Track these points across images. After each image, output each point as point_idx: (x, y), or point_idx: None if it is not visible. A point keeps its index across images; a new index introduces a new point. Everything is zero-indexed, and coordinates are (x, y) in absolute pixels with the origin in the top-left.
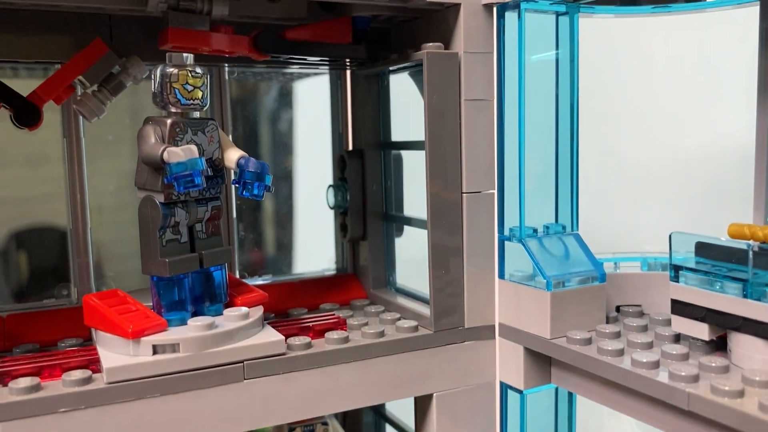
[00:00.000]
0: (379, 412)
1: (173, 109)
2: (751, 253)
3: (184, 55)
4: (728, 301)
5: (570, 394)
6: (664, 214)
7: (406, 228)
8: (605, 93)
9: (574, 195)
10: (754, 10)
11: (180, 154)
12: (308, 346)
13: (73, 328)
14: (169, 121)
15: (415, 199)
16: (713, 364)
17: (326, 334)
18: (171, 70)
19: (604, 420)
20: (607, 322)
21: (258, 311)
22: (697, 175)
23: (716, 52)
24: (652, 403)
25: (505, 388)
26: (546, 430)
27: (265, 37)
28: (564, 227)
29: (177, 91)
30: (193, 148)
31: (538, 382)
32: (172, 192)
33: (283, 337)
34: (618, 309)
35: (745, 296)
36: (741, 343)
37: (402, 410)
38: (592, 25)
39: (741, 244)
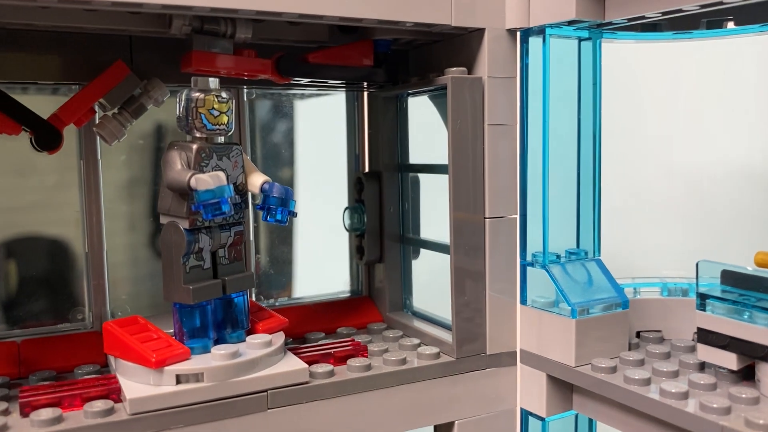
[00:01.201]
0: None
1: (198, 134)
2: None
3: (210, 79)
4: (757, 330)
5: (591, 421)
6: (684, 238)
7: (423, 251)
8: (627, 117)
9: (597, 220)
10: None
11: (208, 181)
12: (331, 374)
13: (90, 354)
14: (195, 146)
15: (432, 222)
16: (743, 396)
17: (348, 362)
18: (197, 94)
19: None
20: (630, 349)
21: (280, 338)
22: (716, 200)
23: (737, 78)
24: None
25: (526, 415)
26: None
27: (287, 61)
28: (586, 253)
29: (203, 116)
30: (221, 175)
31: (559, 409)
32: (197, 218)
33: (307, 366)
34: (638, 335)
35: None
36: (765, 371)
37: None
38: (616, 50)
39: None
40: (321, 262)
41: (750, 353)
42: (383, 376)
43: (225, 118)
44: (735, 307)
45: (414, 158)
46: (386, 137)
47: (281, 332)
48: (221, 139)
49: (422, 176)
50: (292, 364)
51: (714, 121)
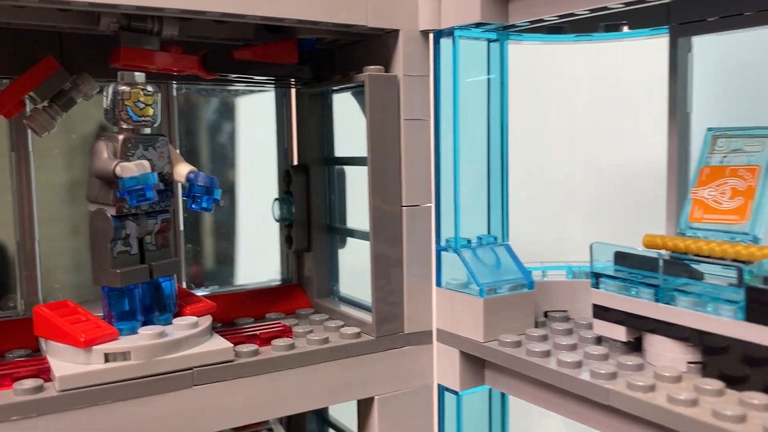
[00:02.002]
0: (322, 417)
1: (125, 126)
2: (661, 261)
3: (136, 73)
4: (642, 305)
5: (503, 395)
6: (588, 226)
7: (349, 240)
8: (534, 112)
9: (505, 208)
10: (664, 41)
11: (132, 168)
12: (255, 353)
13: (21, 339)
14: (121, 137)
15: (357, 212)
16: (630, 363)
17: (272, 342)
18: (123, 88)
19: (534, 420)
20: (536, 326)
21: (207, 320)
22: (618, 189)
23: (632, 77)
24: (575, 399)
25: (442, 390)
26: (481, 430)
27: (212, 57)
28: (496, 238)
29: (129, 108)
30: (145, 163)
31: (472, 384)
32: (124, 205)
33: (232, 345)
34: (546, 314)
35: (656, 300)
36: (654, 343)
37: (344, 414)
38: (523, 51)
39: (653, 253)
40: (253, 252)
41: (638, 326)
42: (305, 355)
43: (150, 111)
44: (624, 285)
45: (339, 151)
46: (313, 132)
47: (209, 316)
48: (147, 131)
49: (347, 168)
50: (218, 343)
51: (613, 117)
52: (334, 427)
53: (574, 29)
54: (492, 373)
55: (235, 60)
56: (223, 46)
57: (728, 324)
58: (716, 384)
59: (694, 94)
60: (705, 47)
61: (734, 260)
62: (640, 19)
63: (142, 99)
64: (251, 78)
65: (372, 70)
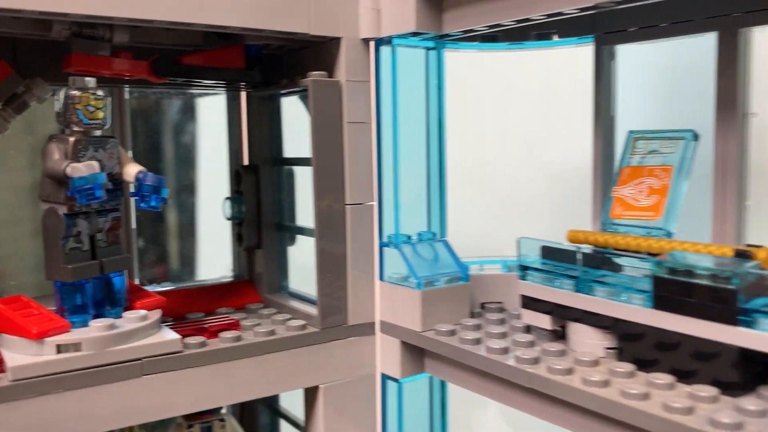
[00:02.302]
0: (273, 408)
1: (76, 128)
2: (579, 254)
3: (87, 78)
4: (564, 295)
5: (442, 382)
6: (524, 222)
7: (299, 237)
8: (474, 116)
9: (443, 206)
10: (591, 49)
11: (82, 169)
12: (203, 344)
13: None
14: (72, 139)
15: (306, 211)
16: (552, 349)
17: (220, 334)
18: (74, 92)
19: (475, 406)
20: (471, 317)
21: (156, 314)
22: (551, 189)
23: (562, 83)
24: (503, 384)
25: (384, 378)
26: (422, 416)
27: (162, 62)
28: (435, 234)
29: (79, 111)
30: (95, 163)
31: (413, 372)
32: (75, 204)
33: (180, 337)
34: (483, 306)
35: (577, 291)
36: (576, 330)
37: (295, 405)
38: (464, 58)
39: (574, 247)
40: (205, 249)
41: (561, 315)
42: (252, 346)
43: (101, 114)
44: (549, 277)
45: (288, 152)
46: (262, 133)
47: (158, 310)
48: (98, 133)
49: (296, 168)
50: (166, 335)
51: (545, 120)
52: (284, 417)
53: (507, 38)
54: (431, 362)
55: (183, 65)
56: (173, 52)
57: (639, 312)
58: (628, 367)
59: (619, 98)
60: (629, 55)
61: (648, 253)
62: (567, 29)
63: (92, 103)
64: (200, 82)
65: (315, 76)
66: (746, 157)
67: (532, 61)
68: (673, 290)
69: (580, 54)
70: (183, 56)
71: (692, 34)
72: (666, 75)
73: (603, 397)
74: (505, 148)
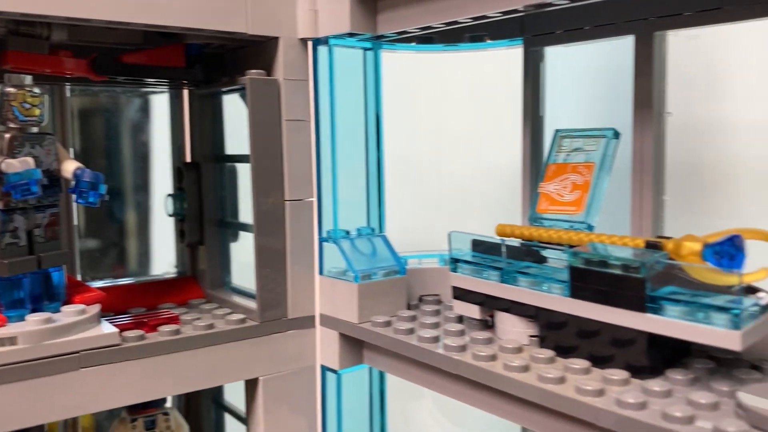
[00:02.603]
0: (218, 402)
1: (12, 125)
2: (504, 247)
3: (23, 75)
4: (491, 286)
5: (381, 373)
6: (459, 218)
7: (241, 233)
8: (413, 115)
9: (382, 202)
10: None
11: (16, 165)
12: (142, 338)
13: None
14: (7, 135)
15: (248, 207)
16: (480, 338)
17: (159, 328)
18: (9, 89)
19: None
20: (408, 309)
21: (95, 308)
22: (486, 185)
23: (496, 83)
24: (434, 371)
25: (324, 370)
26: (361, 407)
27: (101, 60)
28: (373, 229)
29: (15, 108)
30: (30, 160)
31: (351, 363)
32: (10, 200)
33: (118, 330)
34: (421, 298)
35: (503, 282)
36: (502, 320)
37: (239, 398)
38: (399, 58)
39: (499, 240)
40: (148, 246)
41: (488, 305)
42: (190, 339)
43: (37, 111)
44: (478, 269)
45: (229, 149)
46: (204, 131)
47: (98, 304)
48: (35, 129)
49: (238, 165)
50: (104, 329)
51: (479, 121)
52: (228, 410)
53: (442, 40)
54: (369, 353)
55: (123, 63)
56: (114, 50)
57: (558, 300)
58: (548, 353)
59: (549, 98)
60: (561, 57)
61: (569, 246)
62: (498, 31)
63: (28, 100)
64: (142, 80)
65: (253, 74)
66: (663, 154)
67: (468, 62)
68: (588, 280)
69: (512, 55)
70: (123, 55)
71: (612, 36)
72: (596, 76)
73: (521, 382)
74: (442, 147)
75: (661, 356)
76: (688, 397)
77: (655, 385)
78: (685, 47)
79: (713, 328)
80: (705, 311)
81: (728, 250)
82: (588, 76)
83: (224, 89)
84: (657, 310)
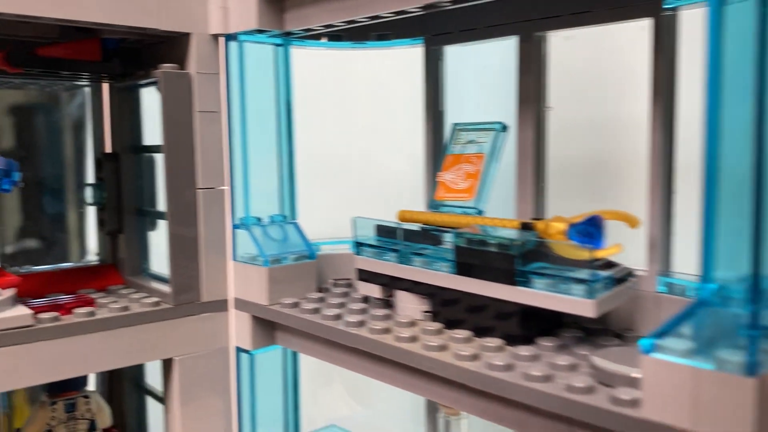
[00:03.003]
0: (139, 385)
1: None
2: (401, 231)
3: None
4: (390, 267)
5: (293, 354)
6: (369, 206)
7: (160, 222)
8: (330, 108)
9: (294, 191)
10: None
11: None
12: (56, 319)
13: None
14: None
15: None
16: (378, 314)
17: (74, 310)
18: None
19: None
20: (318, 291)
21: (9, 292)
22: (397, 174)
23: (402, 79)
24: (337, 347)
25: (238, 350)
26: (275, 386)
27: (16, 53)
28: (285, 217)
29: None
30: None
31: (263, 344)
32: None
33: (31, 312)
34: (333, 282)
35: (400, 263)
36: (400, 298)
37: (159, 381)
38: (312, 54)
39: (397, 225)
40: (69, 233)
41: (388, 284)
42: (104, 321)
43: None
44: (379, 251)
45: (147, 140)
46: (123, 122)
47: (13, 288)
48: None
49: (157, 156)
50: (18, 311)
51: (386, 115)
52: (150, 393)
53: (350, 37)
54: (281, 334)
55: (39, 56)
56: (31, 43)
57: (446, 277)
58: (436, 326)
59: (449, 94)
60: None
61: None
62: (402, 30)
63: None
64: (58, 72)
65: (166, 68)
66: (543, 145)
67: (376, 58)
68: (470, 257)
69: (416, 53)
70: (39, 48)
71: (499, 37)
72: (492, 73)
73: (409, 351)
74: (353, 139)
75: (535, 327)
76: (551, 361)
77: (525, 351)
78: (563, 47)
79: (572, 297)
80: (567, 283)
81: (589, 229)
82: (486, 72)
83: (141, 82)
84: (526, 283)
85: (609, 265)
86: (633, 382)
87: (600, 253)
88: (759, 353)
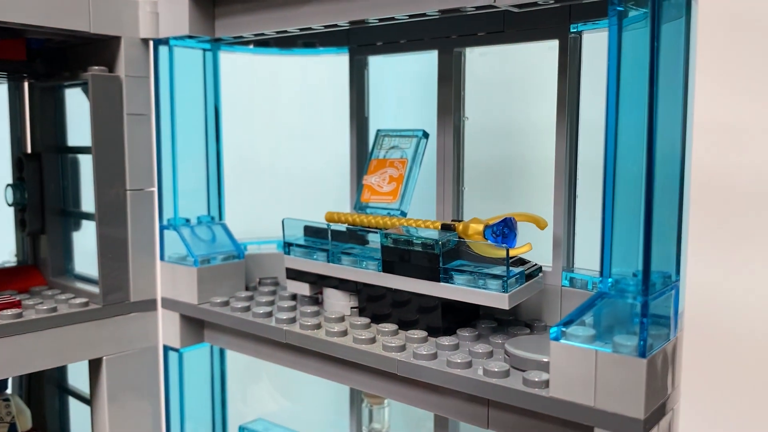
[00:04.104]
0: (61, 386)
1: None
2: (329, 231)
3: None
4: (319, 266)
5: (221, 351)
6: (296, 208)
7: (85, 222)
8: (253, 112)
9: (222, 192)
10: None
11: None
12: None
13: None
14: None
15: (91, 197)
16: (308, 311)
17: (0, 312)
18: None
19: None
20: (246, 290)
21: None
22: (324, 177)
23: (328, 85)
24: (267, 343)
25: (166, 349)
26: (203, 382)
27: None
28: (213, 218)
29: None
30: None
31: (192, 342)
32: None
33: None
34: (260, 281)
35: (328, 261)
36: (329, 295)
37: (83, 382)
38: (241, 59)
39: (326, 225)
40: None
41: (317, 282)
42: (33, 322)
43: None
44: (308, 251)
45: (72, 141)
46: (45, 123)
47: None
48: None
49: (81, 157)
50: None
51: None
52: (72, 394)
53: (277, 44)
54: (210, 332)
55: None
56: None
57: (373, 275)
58: (365, 321)
59: (373, 100)
60: (384, 64)
61: (385, 229)
62: (328, 39)
63: None
64: None
65: (95, 71)
66: (461, 152)
67: (306, 63)
68: (396, 256)
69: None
70: None
71: (421, 50)
72: (415, 82)
73: (340, 344)
74: (283, 143)
75: (455, 319)
76: (470, 349)
77: (447, 341)
78: (478, 61)
79: (488, 291)
80: (483, 279)
81: (503, 230)
82: (411, 81)
83: (66, 83)
84: (448, 279)
85: (521, 262)
86: (543, 366)
87: (513, 252)
88: (649, 338)
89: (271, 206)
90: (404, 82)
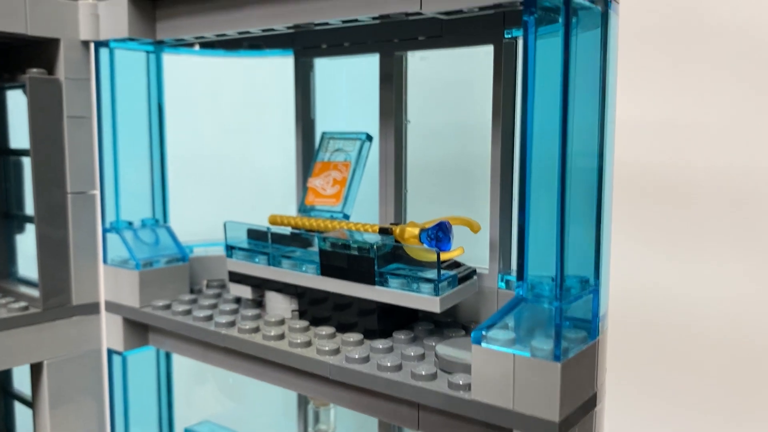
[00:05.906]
0: (5, 390)
1: None
2: (269, 234)
3: None
4: (260, 269)
5: (167, 354)
6: (242, 209)
7: (28, 225)
8: (199, 114)
9: (166, 195)
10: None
11: None
12: None
13: None
14: None
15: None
16: (249, 314)
17: None
18: None
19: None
20: (191, 293)
21: None
22: (268, 180)
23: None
24: (208, 347)
25: (110, 352)
26: (148, 385)
27: None
28: (157, 220)
29: None
30: None
31: (135, 345)
32: None
33: None
34: (206, 284)
35: (270, 265)
36: (270, 298)
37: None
38: (185, 61)
39: (267, 228)
40: None
41: (258, 285)
42: None
43: None
44: (251, 254)
45: (14, 143)
46: None
47: None
48: None
49: (24, 159)
50: None
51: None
52: (18, 398)
53: (222, 46)
54: (154, 335)
55: None
56: None
57: (311, 278)
58: (303, 324)
59: (319, 103)
60: (331, 66)
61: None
62: (273, 41)
63: None
64: None
65: (34, 73)
66: (403, 155)
67: (252, 66)
68: (333, 260)
69: (287, 63)
70: None
71: (364, 53)
72: (361, 85)
73: (276, 348)
74: (229, 145)
75: (392, 322)
76: (403, 352)
77: (381, 344)
78: (419, 65)
79: (420, 295)
80: (417, 282)
81: (438, 234)
82: (359, 84)
83: (6, 85)
84: (383, 283)
85: (455, 265)
86: (467, 369)
87: (446, 255)
88: (565, 341)
89: (220, 208)
90: (353, 84)
